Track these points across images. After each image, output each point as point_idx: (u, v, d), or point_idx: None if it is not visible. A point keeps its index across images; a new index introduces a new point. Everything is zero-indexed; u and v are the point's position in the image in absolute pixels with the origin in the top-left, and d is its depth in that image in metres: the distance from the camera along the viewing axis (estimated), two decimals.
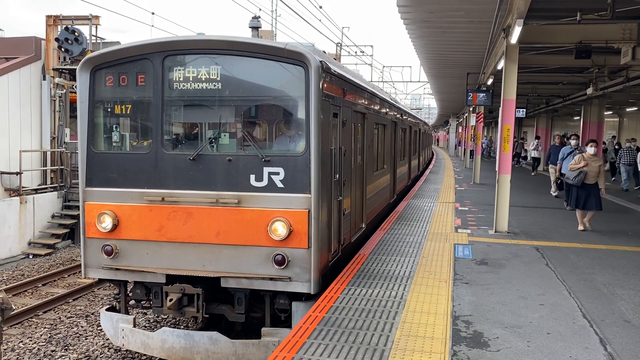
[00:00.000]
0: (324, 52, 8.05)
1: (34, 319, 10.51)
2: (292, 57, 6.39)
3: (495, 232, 10.83)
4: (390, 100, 14.01)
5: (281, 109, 6.94)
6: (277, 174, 6.40)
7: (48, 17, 19.24)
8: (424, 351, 4.91)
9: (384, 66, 50.81)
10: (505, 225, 10.88)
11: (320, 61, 6.40)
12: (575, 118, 34.93)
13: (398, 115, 15.03)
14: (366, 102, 9.80)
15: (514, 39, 10.03)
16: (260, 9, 25.63)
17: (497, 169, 11.03)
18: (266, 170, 6.42)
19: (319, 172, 6.36)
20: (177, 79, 6.70)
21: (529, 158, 28.67)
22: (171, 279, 6.79)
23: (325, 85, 6.55)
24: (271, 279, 6.49)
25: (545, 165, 16.75)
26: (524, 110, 27.20)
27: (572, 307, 6.37)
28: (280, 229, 6.35)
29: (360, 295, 6.48)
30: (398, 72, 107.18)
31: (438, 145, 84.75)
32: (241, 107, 6.80)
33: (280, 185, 6.41)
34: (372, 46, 38.63)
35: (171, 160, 6.75)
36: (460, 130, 47.53)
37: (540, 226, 11.80)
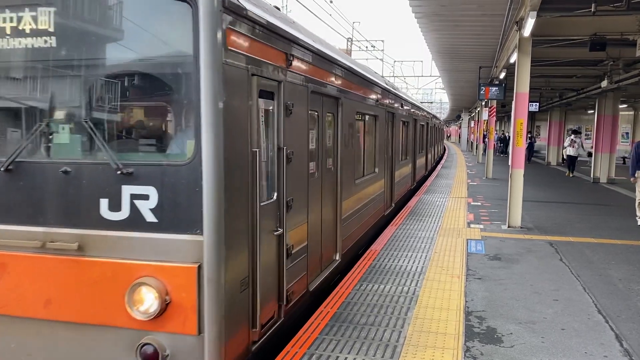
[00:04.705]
0: None
1: None
2: None
3: (509, 227, 10.74)
4: (384, 84, 10.95)
5: (154, 82, 4.11)
6: (146, 197, 3.82)
7: None
8: (436, 347, 4.88)
9: (395, 61, 50.74)
10: (518, 220, 10.78)
11: None
12: (589, 112, 34.53)
13: (396, 105, 12.37)
14: (341, 82, 7.19)
15: (527, 31, 9.91)
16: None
17: (510, 164, 10.93)
18: (126, 190, 3.85)
19: (220, 194, 3.80)
20: None
21: (563, 156, 25.09)
22: None
23: (236, 39, 4.04)
24: None
25: (632, 175, 11.75)
26: (537, 104, 26.95)
27: (587, 302, 6.30)
28: (147, 299, 3.78)
29: (372, 290, 6.45)
30: (409, 66, 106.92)
31: (449, 140, 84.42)
32: (88, 78, 4.10)
33: (150, 218, 3.83)
34: (383, 41, 38.56)
35: None
36: (472, 125, 47.25)
37: (554, 221, 11.68)
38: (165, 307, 3.76)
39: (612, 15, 10.42)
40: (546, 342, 5.12)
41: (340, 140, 7.17)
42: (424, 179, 21.14)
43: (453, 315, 5.70)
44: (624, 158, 31.94)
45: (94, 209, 3.91)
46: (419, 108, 18.90)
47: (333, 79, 6.82)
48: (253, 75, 4.32)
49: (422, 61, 65.98)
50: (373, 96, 9.55)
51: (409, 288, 6.57)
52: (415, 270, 7.37)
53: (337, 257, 7.20)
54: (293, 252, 5.34)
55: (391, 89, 11.89)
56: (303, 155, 5.65)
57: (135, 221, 3.85)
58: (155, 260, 3.81)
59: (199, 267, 3.75)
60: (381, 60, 40.50)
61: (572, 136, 23.22)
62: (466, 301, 6.20)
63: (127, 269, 3.85)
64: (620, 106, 24.37)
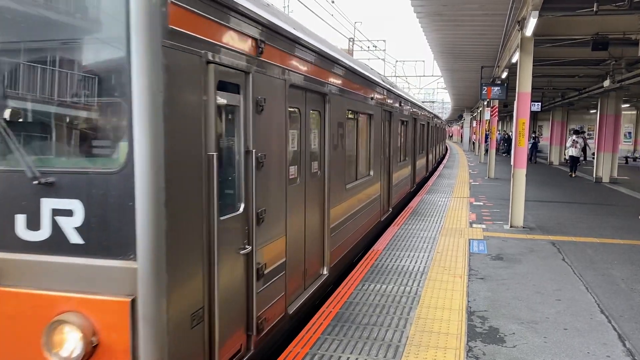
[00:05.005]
0: None
1: None
2: None
3: (511, 227, 10.72)
4: (380, 81, 10.10)
5: (80, 69, 3.36)
6: (70, 213, 3.14)
7: None
8: (439, 347, 4.88)
9: (397, 61, 50.67)
10: (520, 220, 10.77)
11: None
12: (591, 111, 34.48)
13: (394, 103, 11.76)
14: (329, 77, 6.53)
15: (529, 31, 9.90)
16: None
17: (512, 163, 10.92)
18: (47, 204, 3.17)
19: (159, 208, 3.08)
20: None
21: (566, 157, 24.87)
22: None
23: (183, 17, 3.29)
24: None
25: None
26: (539, 103, 26.88)
27: (589, 302, 6.29)
28: (69, 341, 3.08)
29: (374, 290, 6.45)
30: (411, 66, 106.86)
31: (452, 139, 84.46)
32: (2, 64, 3.40)
33: (75, 239, 3.15)
34: (384, 41, 38.64)
35: None
36: (474, 125, 47.22)
37: (556, 221, 11.66)
38: (91, 350, 3.04)
39: (614, 15, 10.41)
40: (548, 342, 5.11)
41: (327, 141, 6.44)
42: (425, 180, 20.66)
43: (455, 315, 5.70)
44: (626, 158, 31.89)
45: (8, 227, 3.21)
46: (419, 107, 18.15)
47: (319, 72, 6.08)
48: (209, 62, 3.56)
49: (424, 61, 66.05)
50: (368, 93, 8.84)
51: (411, 288, 6.57)
52: (418, 270, 7.37)
53: (325, 272, 6.51)
54: (266, 272, 4.57)
55: (389, 86, 11.13)
56: (280, 158, 4.91)
57: (57, 243, 3.14)
58: (80, 292, 3.08)
59: (133, 301, 3.01)
60: (383, 60, 40.49)
61: (574, 136, 22.94)
62: (468, 301, 6.20)
63: (46, 302, 3.10)
64: (623, 106, 24.31)
